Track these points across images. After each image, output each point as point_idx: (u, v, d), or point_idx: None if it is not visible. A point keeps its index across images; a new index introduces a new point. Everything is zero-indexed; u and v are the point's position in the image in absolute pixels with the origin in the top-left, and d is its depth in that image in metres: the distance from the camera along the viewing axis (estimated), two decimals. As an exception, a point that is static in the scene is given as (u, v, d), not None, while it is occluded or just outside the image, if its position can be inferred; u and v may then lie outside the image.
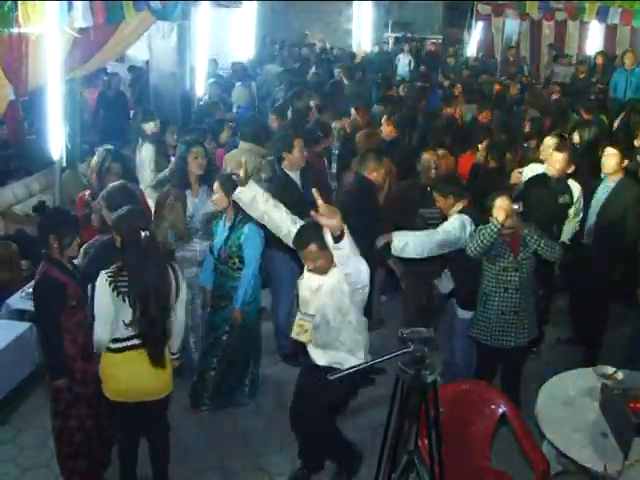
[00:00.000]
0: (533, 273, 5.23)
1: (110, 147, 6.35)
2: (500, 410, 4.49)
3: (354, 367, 3.50)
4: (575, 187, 6.37)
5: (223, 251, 5.28)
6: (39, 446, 5.21)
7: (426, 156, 6.40)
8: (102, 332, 4.21)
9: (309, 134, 7.20)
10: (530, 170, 6.68)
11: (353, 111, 8.83)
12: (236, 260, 5.29)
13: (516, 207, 5.04)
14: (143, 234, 4.10)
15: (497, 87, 11.98)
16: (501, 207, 5.03)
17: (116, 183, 5.25)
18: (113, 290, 4.11)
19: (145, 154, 7.34)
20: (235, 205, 4.95)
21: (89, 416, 4.60)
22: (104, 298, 4.14)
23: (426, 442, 3.68)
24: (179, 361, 4.66)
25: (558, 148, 6.42)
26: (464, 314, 5.55)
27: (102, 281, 4.14)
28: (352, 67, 13.29)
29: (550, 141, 6.77)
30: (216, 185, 5.13)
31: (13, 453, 5.16)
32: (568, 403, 4.59)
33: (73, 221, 4.57)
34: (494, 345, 5.24)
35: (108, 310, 4.15)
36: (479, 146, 7.42)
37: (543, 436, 4.45)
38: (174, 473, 4.81)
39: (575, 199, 6.35)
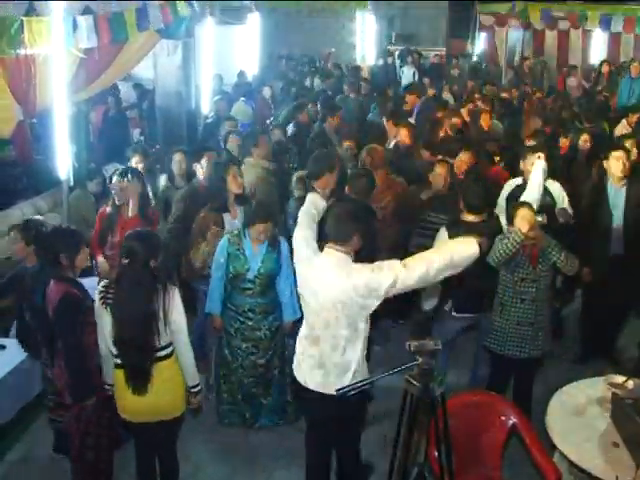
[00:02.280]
0: (550, 285, 5.24)
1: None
2: (511, 421, 4.48)
3: (363, 381, 3.51)
4: (554, 187, 6.42)
5: (264, 271, 5.23)
6: (51, 464, 5.22)
7: (438, 169, 6.46)
8: (100, 340, 4.30)
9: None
10: (509, 185, 6.67)
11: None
12: (272, 277, 5.28)
13: (540, 219, 5.07)
14: (123, 261, 4.16)
15: (505, 96, 12.05)
16: (524, 218, 5.06)
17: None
18: (102, 302, 4.17)
19: None
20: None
21: (103, 435, 4.64)
22: (96, 305, 4.22)
23: (436, 454, 3.68)
24: (198, 396, 4.53)
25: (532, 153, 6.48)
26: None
27: (96, 290, 4.23)
28: (359, 81, 13.35)
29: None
30: (263, 223, 5.11)
31: (25, 472, 5.19)
32: (579, 413, 4.57)
33: (77, 236, 4.60)
34: (508, 355, 5.25)
35: (100, 319, 4.22)
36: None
37: (554, 447, 4.44)
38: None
39: (557, 196, 6.40)
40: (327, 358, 4.22)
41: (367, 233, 4.34)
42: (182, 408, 4.49)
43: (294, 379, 4.39)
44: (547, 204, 6.24)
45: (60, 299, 4.29)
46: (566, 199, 6.45)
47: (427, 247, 5.50)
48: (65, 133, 6.83)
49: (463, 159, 6.95)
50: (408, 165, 7.57)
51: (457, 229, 5.31)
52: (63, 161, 6.88)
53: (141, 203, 6.03)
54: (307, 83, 14.83)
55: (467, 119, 9.39)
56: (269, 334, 5.38)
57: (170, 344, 4.30)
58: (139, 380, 4.21)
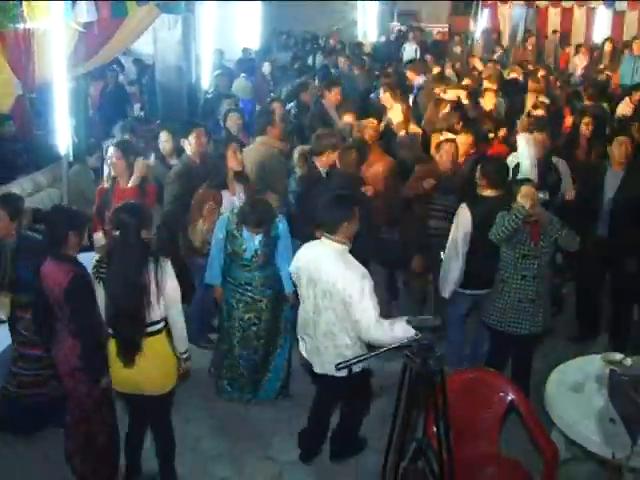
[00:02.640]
0: (550, 262, 5.25)
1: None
2: (509, 397, 4.49)
3: (362, 357, 3.52)
4: (560, 163, 6.44)
5: (261, 252, 5.25)
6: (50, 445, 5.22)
7: (446, 146, 6.40)
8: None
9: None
10: (513, 158, 6.65)
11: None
12: (269, 255, 5.30)
13: (542, 196, 5.08)
14: (115, 233, 4.16)
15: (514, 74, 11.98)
16: (527, 195, 5.07)
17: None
18: (95, 276, 4.20)
19: None
20: None
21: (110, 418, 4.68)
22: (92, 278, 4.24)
23: (435, 430, 3.70)
24: (188, 362, 4.58)
25: (535, 129, 6.45)
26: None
27: (92, 265, 4.25)
28: (361, 57, 13.27)
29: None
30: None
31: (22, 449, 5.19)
32: (577, 390, 4.59)
33: (83, 216, 4.61)
34: (508, 332, 5.27)
35: (95, 293, 4.24)
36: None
37: (552, 423, 4.46)
38: (185, 461, 4.86)
39: (564, 172, 6.43)
40: (320, 343, 4.47)
41: (357, 216, 4.39)
42: (172, 384, 4.48)
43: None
44: (553, 180, 6.25)
45: (71, 280, 4.23)
46: (569, 177, 6.43)
47: (447, 229, 5.68)
48: (65, 108, 6.80)
49: (462, 140, 6.89)
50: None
51: (479, 205, 5.45)
52: (63, 136, 6.86)
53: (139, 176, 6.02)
54: (309, 61, 14.72)
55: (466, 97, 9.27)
56: (270, 305, 5.40)
57: (162, 319, 4.30)
58: (129, 353, 4.22)
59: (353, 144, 6.32)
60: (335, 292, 4.27)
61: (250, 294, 5.37)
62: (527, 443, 4.66)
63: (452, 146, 6.41)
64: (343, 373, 4.19)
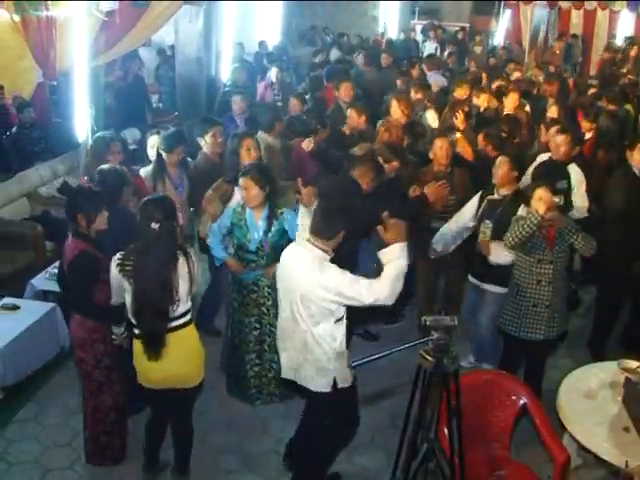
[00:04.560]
0: (567, 266, 5.19)
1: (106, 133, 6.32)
2: (521, 401, 4.46)
3: (375, 355, 3.48)
4: (575, 172, 6.28)
5: (266, 243, 5.17)
6: (61, 425, 5.27)
7: (438, 142, 6.18)
8: (115, 300, 4.34)
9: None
10: (540, 158, 6.59)
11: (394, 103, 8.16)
12: (276, 250, 5.10)
13: (557, 200, 4.99)
14: (154, 226, 4.08)
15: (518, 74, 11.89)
16: (541, 199, 4.98)
17: (107, 166, 5.32)
18: (120, 271, 4.16)
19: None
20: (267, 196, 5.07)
21: (121, 392, 4.72)
22: (113, 273, 4.21)
23: (446, 431, 3.68)
24: None
25: (559, 131, 6.37)
26: (493, 288, 5.63)
27: (114, 260, 4.20)
28: (375, 53, 13.20)
29: (553, 129, 6.74)
30: (247, 179, 5.00)
31: (35, 431, 5.22)
32: (590, 396, 4.56)
33: (97, 197, 4.60)
34: (523, 337, 5.22)
35: (118, 283, 4.22)
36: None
37: (564, 428, 4.43)
38: (194, 454, 4.83)
39: (574, 180, 6.24)
40: (298, 353, 4.21)
41: (354, 222, 4.24)
42: (200, 377, 4.49)
43: None
44: (563, 188, 6.16)
45: (74, 257, 4.35)
46: (584, 185, 6.32)
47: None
48: (85, 96, 6.82)
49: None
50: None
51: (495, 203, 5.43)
52: (82, 124, 6.88)
53: None
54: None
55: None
56: (273, 310, 5.27)
57: (188, 311, 4.29)
58: (154, 347, 4.19)
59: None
60: (314, 298, 4.01)
61: (254, 296, 5.30)
62: (538, 448, 4.62)
63: (445, 142, 6.16)
64: (326, 388, 4.18)
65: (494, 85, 9.96)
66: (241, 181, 5.05)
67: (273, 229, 5.15)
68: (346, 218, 4.10)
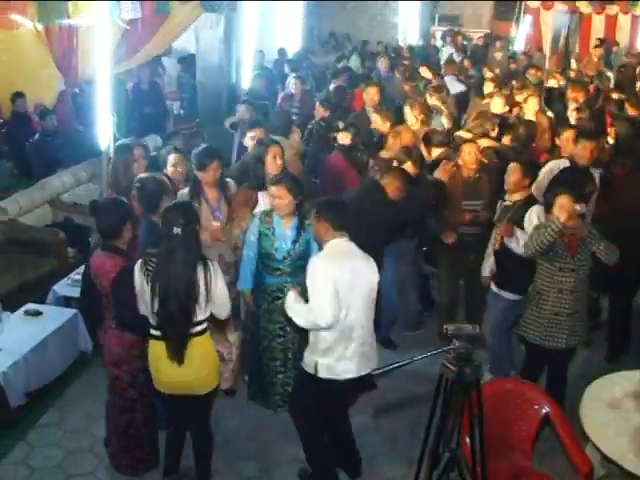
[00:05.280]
0: (588, 275, 5.15)
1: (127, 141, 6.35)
2: (544, 410, 4.42)
3: (395, 364, 3.47)
4: (596, 174, 6.31)
5: (293, 252, 5.17)
6: (83, 430, 5.30)
7: (466, 148, 6.21)
8: (142, 309, 4.31)
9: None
10: (554, 165, 6.53)
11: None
12: (303, 258, 5.15)
13: (578, 208, 4.94)
14: (176, 231, 4.09)
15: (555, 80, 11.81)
16: (563, 207, 4.92)
17: (146, 174, 5.34)
18: (144, 274, 4.16)
19: None
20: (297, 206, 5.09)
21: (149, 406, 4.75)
22: (138, 281, 4.20)
23: (468, 440, 3.66)
24: None
25: (583, 136, 6.34)
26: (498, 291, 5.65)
27: (137, 267, 4.21)
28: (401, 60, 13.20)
29: (567, 133, 6.74)
30: (281, 188, 5.00)
31: (57, 437, 5.25)
32: (613, 406, 4.51)
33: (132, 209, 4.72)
34: (544, 345, 5.18)
35: (143, 290, 4.20)
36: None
37: (587, 438, 4.39)
38: (216, 461, 4.84)
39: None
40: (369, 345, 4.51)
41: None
42: (216, 382, 4.51)
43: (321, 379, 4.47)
44: (590, 191, 6.14)
45: (119, 273, 4.33)
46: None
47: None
48: (107, 104, 6.86)
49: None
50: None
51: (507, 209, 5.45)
52: (104, 131, 6.93)
53: None
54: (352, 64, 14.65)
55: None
56: None
57: (206, 319, 4.31)
58: (178, 351, 4.21)
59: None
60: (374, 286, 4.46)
61: (279, 302, 5.19)
62: (561, 458, 4.58)
63: (473, 148, 6.20)
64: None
65: (518, 93, 9.89)
66: (274, 189, 5.03)
67: (301, 239, 5.15)
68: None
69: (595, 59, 15.40)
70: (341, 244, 4.39)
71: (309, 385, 4.58)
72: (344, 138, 6.79)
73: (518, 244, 5.25)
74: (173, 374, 4.27)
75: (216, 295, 4.23)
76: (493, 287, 5.74)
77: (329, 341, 4.38)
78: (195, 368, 4.29)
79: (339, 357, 4.41)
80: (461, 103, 10.42)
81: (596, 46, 16.23)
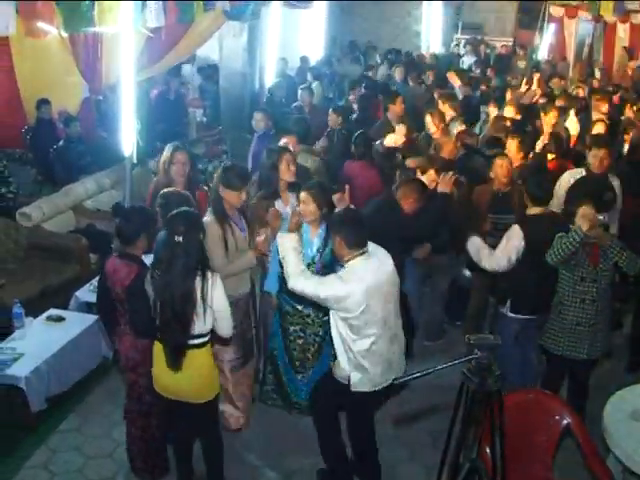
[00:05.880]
0: (610, 285, 5.10)
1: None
2: (565, 421, 4.39)
3: (418, 373, 3.46)
4: (615, 181, 6.31)
5: (319, 261, 5.17)
6: (103, 436, 5.33)
7: (499, 161, 6.21)
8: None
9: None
10: (570, 175, 6.53)
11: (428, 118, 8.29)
12: (328, 267, 5.15)
13: (601, 217, 4.91)
14: (177, 239, 4.10)
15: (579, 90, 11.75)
16: (585, 216, 4.90)
17: (169, 189, 5.30)
18: (151, 281, 4.20)
19: None
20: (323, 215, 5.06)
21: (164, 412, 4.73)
22: (146, 285, 4.23)
23: (488, 451, 3.63)
24: None
25: (595, 144, 6.34)
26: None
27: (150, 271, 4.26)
28: (418, 68, 13.20)
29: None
30: (307, 195, 4.99)
31: (78, 442, 5.29)
32: (636, 417, 4.46)
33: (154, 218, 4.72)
34: (565, 356, 5.15)
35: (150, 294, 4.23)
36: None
37: (608, 450, 4.34)
38: (232, 469, 4.86)
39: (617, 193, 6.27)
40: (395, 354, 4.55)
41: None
42: (213, 392, 4.47)
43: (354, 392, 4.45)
44: (610, 200, 6.10)
45: (133, 280, 4.37)
46: (620, 198, 6.32)
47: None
48: (131, 111, 6.91)
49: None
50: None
51: (527, 225, 5.27)
52: (128, 138, 6.97)
53: (187, 181, 5.93)
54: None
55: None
56: (318, 321, 5.29)
57: (208, 333, 4.26)
58: (175, 359, 4.22)
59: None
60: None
61: (300, 307, 5.26)
62: (582, 469, 4.53)
63: (505, 161, 6.18)
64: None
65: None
66: (303, 194, 5.04)
67: (327, 249, 5.14)
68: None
69: (630, 71, 15.31)
70: (359, 264, 4.31)
71: (337, 394, 4.58)
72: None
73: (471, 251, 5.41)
74: (169, 379, 4.30)
75: (215, 305, 4.17)
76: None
77: (362, 353, 4.32)
78: (191, 379, 4.28)
79: (371, 368, 4.37)
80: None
81: (632, 57, 16.15)
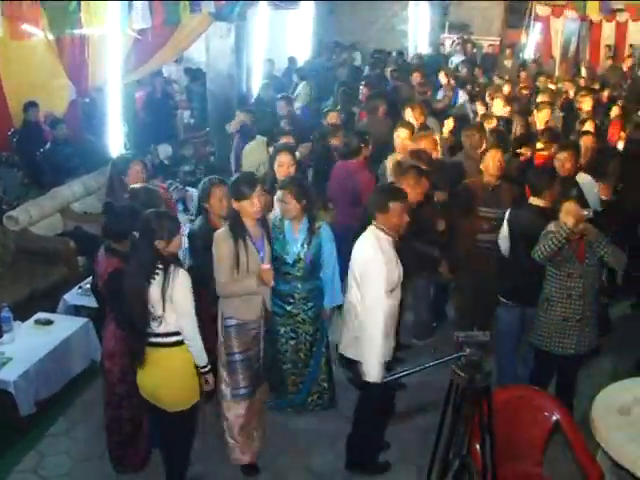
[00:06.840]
0: (597, 280, 5.12)
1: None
2: (553, 417, 4.40)
3: (407, 370, 3.46)
4: (584, 179, 6.34)
5: (306, 256, 5.17)
6: (92, 439, 5.30)
7: (492, 153, 6.15)
8: None
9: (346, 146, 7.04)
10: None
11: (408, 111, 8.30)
12: (314, 264, 5.21)
13: (585, 213, 4.92)
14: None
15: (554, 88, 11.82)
16: (569, 212, 4.92)
17: (138, 185, 5.37)
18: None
19: None
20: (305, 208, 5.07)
21: (139, 406, 4.69)
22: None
23: (478, 447, 3.64)
24: (209, 377, 4.41)
25: (561, 148, 6.45)
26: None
27: None
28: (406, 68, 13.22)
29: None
30: (284, 193, 5.01)
31: (67, 445, 5.27)
32: (624, 412, 4.46)
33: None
34: (553, 352, 5.16)
35: None
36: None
37: (597, 445, 4.36)
38: (223, 470, 4.87)
39: (587, 191, 6.18)
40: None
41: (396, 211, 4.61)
42: (186, 405, 4.36)
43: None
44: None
45: (110, 274, 4.43)
46: (598, 195, 6.35)
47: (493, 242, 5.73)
48: (118, 113, 6.91)
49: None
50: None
51: (523, 212, 5.39)
52: (115, 140, 6.96)
53: None
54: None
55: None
56: (308, 320, 5.32)
57: (175, 333, 4.20)
58: (135, 354, 4.26)
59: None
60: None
61: (289, 307, 5.28)
62: (571, 465, 4.55)
63: (499, 154, 6.12)
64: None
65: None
66: (279, 193, 5.09)
67: (312, 242, 5.16)
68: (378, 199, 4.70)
69: (626, 69, 15.37)
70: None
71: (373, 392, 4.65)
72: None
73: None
74: (142, 378, 4.32)
75: (175, 299, 4.09)
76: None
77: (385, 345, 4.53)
78: (163, 382, 4.25)
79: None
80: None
81: (629, 55, 16.22)
